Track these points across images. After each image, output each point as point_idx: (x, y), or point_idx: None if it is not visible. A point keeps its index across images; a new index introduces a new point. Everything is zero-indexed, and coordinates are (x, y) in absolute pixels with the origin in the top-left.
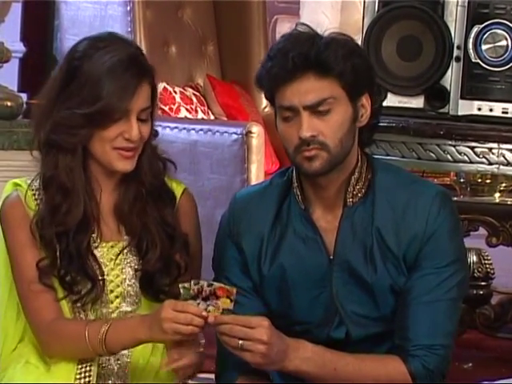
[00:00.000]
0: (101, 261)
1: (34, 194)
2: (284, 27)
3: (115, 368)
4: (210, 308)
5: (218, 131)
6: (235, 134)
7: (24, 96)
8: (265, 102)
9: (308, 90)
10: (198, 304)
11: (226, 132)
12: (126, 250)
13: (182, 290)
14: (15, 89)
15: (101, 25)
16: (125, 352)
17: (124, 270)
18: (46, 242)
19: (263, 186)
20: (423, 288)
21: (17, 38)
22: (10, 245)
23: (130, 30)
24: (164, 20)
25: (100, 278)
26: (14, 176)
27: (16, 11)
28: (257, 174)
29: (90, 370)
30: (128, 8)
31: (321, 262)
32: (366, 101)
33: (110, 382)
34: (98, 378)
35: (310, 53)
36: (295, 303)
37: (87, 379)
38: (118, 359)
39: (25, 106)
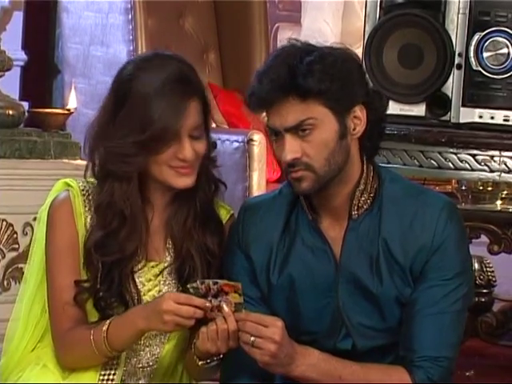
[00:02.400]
0: (140, 279)
1: (85, 201)
2: (285, 35)
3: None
4: (223, 304)
5: (219, 139)
6: (237, 141)
7: (25, 104)
8: None
9: (288, 112)
10: (210, 301)
11: (227, 140)
12: (165, 272)
13: (192, 290)
14: (17, 97)
15: (102, 33)
16: (151, 359)
17: (161, 292)
18: (90, 262)
19: (272, 195)
20: (429, 300)
21: (18, 46)
22: (49, 245)
23: (131, 38)
24: (165, 28)
25: (136, 303)
26: (15, 184)
27: (17, 20)
28: (258, 181)
29: (114, 374)
30: (129, 16)
31: (329, 272)
32: (359, 112)
33: None
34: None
35: (287, 78)
36: (303, 313)
37: (110, 382)
38: (142, 367)
39: (26, 114)
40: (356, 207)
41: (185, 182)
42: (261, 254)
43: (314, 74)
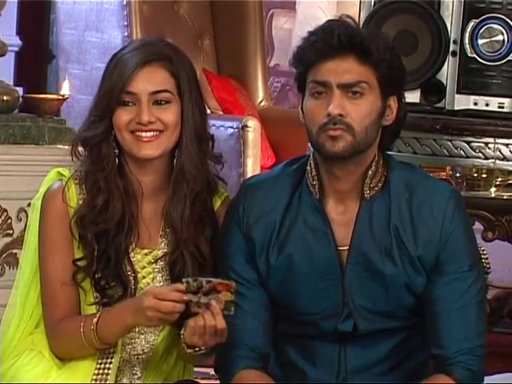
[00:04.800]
0: (134, 267)
1: (78, 189)
2: (280, 21)
3: (135, 362)
4: (213, 301)
5: (213, 125)
6: (231, 128)
7: (20, 90)
8: (261, 96)
9: (346, 70)
10: (200, 298)
11: (222, 126)
12: (160, 261)
13: (185, 285)
14: (11, 83)
15: (97, 19)
16: (146, 346)
17: (155, 280)
18: (85, 241)
19: (274, 174)
20: (452, 294)
21: (13, 31)
22: (42, 239)
23: (126, 24)
24: (160, 14)
25: (132, 285)
26: (10, 170)
27: (12, 5)
28: (253, 167)
29: (110, 363)
30: (124, 2)
31: (329, 254)
32: (393, 103)
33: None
34: (119, 371)
35: (355, 34)
36: (300, 294)
37: (105, 375)
38: (137, 354)
39: (21, 100)
40: (368, 187)
41: (146, 151)
42: (262, 233)
43: (379, 42)
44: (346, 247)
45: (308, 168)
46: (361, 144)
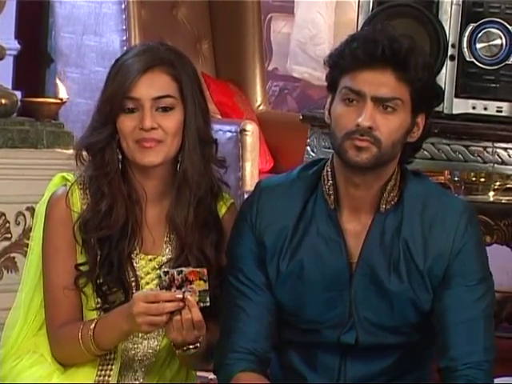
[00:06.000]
0: (138, 273)
1: (82, 194)
2: (278, 25)
3: (137, 368)
4: (187, 294)
5: (212, 129)
6: (229, 132)
7: (18, 94)
8: (259, 100)
9: (382, 83)
10: (174, 292)
11: (220, 130)
12: (163, 267)
13: (157, 280)
14: (10, 86)
15: (95, 23)
16: (148, 352)
17: (156, 288)
18: (88, 246)
19: (290, 178)
20: (459, 307)
21: (11, 35)
22: (45, 243)
23: (124, 28)
24: (159, 18)
25: (134, 291)
26: (8, 173)
27: (11, 9)
28: (251, 171)
29: (111, 369)
30: (123, 6)
31: (340, 265)
32: (421, 120)
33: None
34: (120, 376)
35: (400, 50)
36: (308, 302)
37: (106, 382)
38: (140, 360)
39: (19, 103)
40: (385, 201)
41: (149, 158)
42: (274, 238)
43: (418, 59)
44: (356, 259)
45: (324, 175)
46: (385, 157)
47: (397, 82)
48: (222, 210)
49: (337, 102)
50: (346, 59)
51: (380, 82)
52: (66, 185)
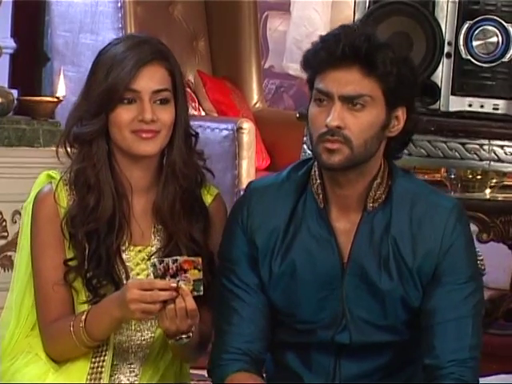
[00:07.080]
0: (127, 264)
1: (67, 190)
2: (275, 23)
3: (132, 359)
4: (181, 283)
5: (208, 127)
6: (226, 130)
7: (15, 92)
8: (255, 98)
9: (349, 81)
10: (169, 281)
11: (216, 128)
12: (153, 257)
13: (151, 269)
14: (6, 85)
15: (91, 21)
16: (143, 343)
17: (149, 277)
18: (75, 241)
19: (280, 179)
20: (448, 305)
21: (7, 34)
22: (33, 240)
23: (120, 26)
24: (155, 16)
25: (124, 284)
26: (5, 172)
27: (7, 7)
28: (248, 170)
29: (104, 361)
30: (119, 4)
31: (332, 264)
32: (401, 114)
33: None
34: (116, 369)
35: (361, 47)
36: (302, 302)
37: (99, 373)
38: (134, 352)
39: (15, 102)
40: (372, 199)
41: (145, 148)
42: (266, 240)
43: (387, 54)
44: (347, 257)
45: (313, 174)
46: (358, 157)
47: (364, 79)
48: (208, 199)
49: (311, 103)
50: (314, 60)
51: (346, 81)
52: (51, 182)
